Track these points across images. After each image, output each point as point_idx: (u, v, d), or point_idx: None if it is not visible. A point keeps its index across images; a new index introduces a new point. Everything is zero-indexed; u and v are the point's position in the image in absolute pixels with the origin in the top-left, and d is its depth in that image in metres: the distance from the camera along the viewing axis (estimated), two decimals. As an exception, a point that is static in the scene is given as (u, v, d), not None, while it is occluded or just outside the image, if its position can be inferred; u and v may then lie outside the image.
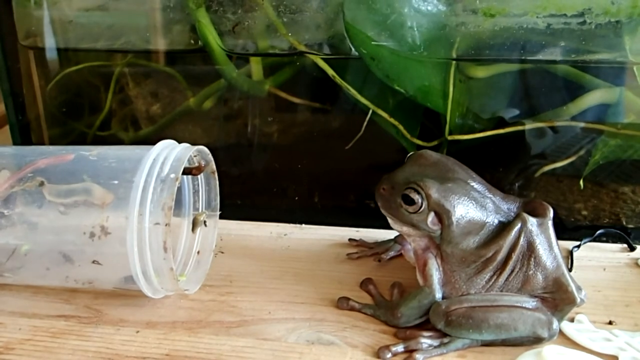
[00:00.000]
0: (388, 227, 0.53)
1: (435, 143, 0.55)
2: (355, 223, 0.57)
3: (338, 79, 0.50)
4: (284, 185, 0.60)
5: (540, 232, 0.42)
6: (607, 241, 0.55)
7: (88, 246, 0.41)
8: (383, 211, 0.44)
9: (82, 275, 0.43)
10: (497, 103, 0.56)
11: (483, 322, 0.41)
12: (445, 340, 0.41)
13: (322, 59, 0.52)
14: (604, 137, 0.54)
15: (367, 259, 0.52)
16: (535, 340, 0.41)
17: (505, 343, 0.41)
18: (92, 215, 0.41)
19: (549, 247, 0.42)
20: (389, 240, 0.53)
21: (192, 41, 0.55)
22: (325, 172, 0.59)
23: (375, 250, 0.53)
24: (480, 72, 0.54)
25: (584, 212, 0.58)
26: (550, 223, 0.43)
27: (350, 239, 0.55)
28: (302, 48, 0.52)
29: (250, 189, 0.61)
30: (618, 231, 0.55)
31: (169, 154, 0.43)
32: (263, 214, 0.58)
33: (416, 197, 0.42)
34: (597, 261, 0.52)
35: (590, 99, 0.53)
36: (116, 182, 0.42)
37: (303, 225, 0.58)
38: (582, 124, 0.54)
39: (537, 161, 0.57)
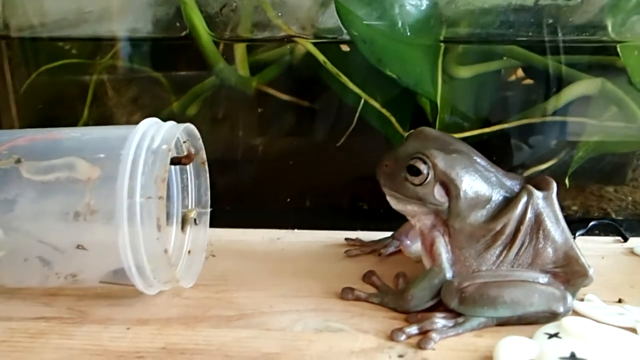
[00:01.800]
0: (383, 229, 0.52)
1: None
2: (349, 226, 0.55)
3: (329, 65, 0.49)
4: (274, 189, 0.58)
5: (546, 205, 0.41)
6: (599, 234, 0.55)
7: (72, 228, 0.37)
8: (386, 190, 0.43)
9: (65, 267, 0.39)
10: (482, 102, 0.56)
11: (498, 298, 0.39)
12: (460, 320, 0.39)
13: (313, 43, 0.51)
14: (587, 132, 0.55)
15: (365, 256, 0.50)
16: (551, 316, 0.39)
17: (520, 321, 0.39)
18: (77, 193, 0.37)
19: (555, 221, 0.41)
20: (387, 238, 0.51)
21: (178, 24, 0.52)
22: (316, 174, 0.57)
23: (373, 247, 0.51)
24: (464, 72, 0.56)
25: (574, 208, 0.58)
26: (554, 197, 0.42)
27: (346, 238, 0.53)
28: (291, 32, 0.51)
29: (239, 194, 0.58)
30: (610, 222, 0.55)
31: (157, 130, 0.40)
32: (253, 220, 0.55)
33: (422, 166, 0.41)
34: (594, 251, 0.51)
35: (573, 92, 0.54)
36: (102, 155, 0.38)
37: (295, 230, 0.55)
38: (565, 119, 0.55)
39: (525, 158, 0.57)
